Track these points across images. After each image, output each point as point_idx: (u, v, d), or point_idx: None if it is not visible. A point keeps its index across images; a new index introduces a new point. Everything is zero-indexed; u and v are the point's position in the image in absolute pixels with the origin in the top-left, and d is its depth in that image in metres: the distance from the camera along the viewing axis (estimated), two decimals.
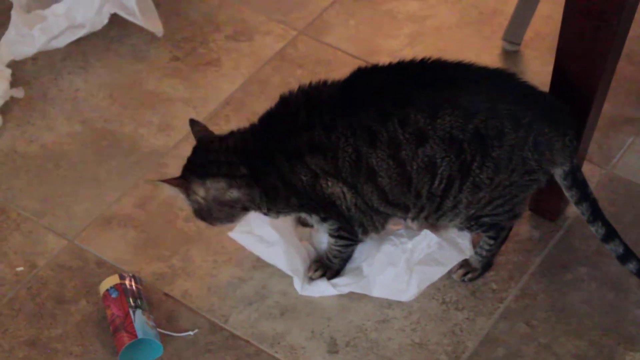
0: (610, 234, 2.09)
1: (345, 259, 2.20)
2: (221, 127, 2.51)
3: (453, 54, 2.05)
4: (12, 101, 2.56)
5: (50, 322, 2.15)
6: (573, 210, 2.30)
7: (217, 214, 2.07)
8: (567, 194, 2.09)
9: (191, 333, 2.13)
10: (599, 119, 2.21)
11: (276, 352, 2.11)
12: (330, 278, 2.19)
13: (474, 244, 2.21)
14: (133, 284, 2.13)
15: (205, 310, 2.17)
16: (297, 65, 2.66)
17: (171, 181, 2.05)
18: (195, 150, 2.09)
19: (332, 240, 2.16)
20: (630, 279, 2.20)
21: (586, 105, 2.10)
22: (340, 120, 1.98)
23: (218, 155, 2.06)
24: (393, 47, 2.70)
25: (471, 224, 2.10)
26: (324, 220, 2.10)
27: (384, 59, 2.07)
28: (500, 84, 2.02)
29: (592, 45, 2.01)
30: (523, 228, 2.30)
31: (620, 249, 2.10)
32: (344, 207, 2.05)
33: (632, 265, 2.10)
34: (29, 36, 2.59)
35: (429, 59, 2.01)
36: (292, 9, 2.81)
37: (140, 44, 2.71)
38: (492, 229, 2.14)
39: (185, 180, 2.05)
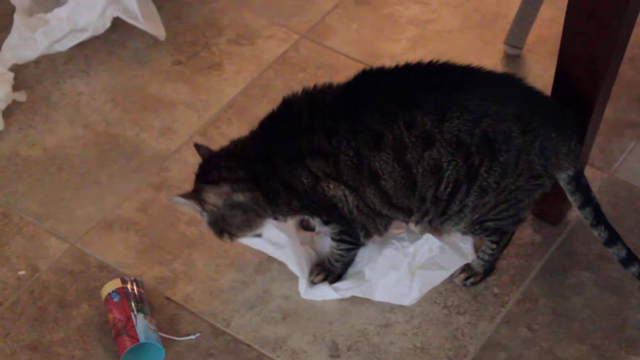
0: (613, 238, 2.09)
1: (347, 263, 2.20)
2: (223, 131, 2.51)
3: (455, 57, 2.05)
4: (14, 105, 2.56)
5: (52, 326, 2.15)
6: (574, 215, 2.30)
7: (232, 220, 2.08)
8: (570, 198, 2.09)
9: (193, 337, 2.13)
10: (601, 123, 2.21)
11: (278, 356, 2.11)
12: (332, 282, 2.19)
13: (477, 248, 2.21)
14: (135, 287, 2.14)
15: (207, 314, 2.17)
16: (299, 69, 2.66)
17: (184, 195, 2.08)
18: (200, 165, 2.11)
19: (334, 243, 2.16)
20: (632, 283, 2.20)
21: (588, 110, 2.10)
22: (342, 124, 1.98)
23: (219, 161, 2.08)
24: (395, 51, 2.70)
25: (475, 228, 2.10)
26: (326, 223, 2.11)
27: (386, 63, 2.07)
28: (507, 88, 2.02)
29: (595, 49, 2.01)
30: (525, 232, 2.30)
31: (623, 253, 2.10)
32: (345, 209, 2.05)
33: (634, 269, 2.10)
34: (32, 40, 2.59)
35: (437, 61, 2.02)
36: (294, 12, 2.81)
37: (142, 48, 2.72)
38: (495, 234, 2.14)
39: (194, 192, 2.08)
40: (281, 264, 2.24)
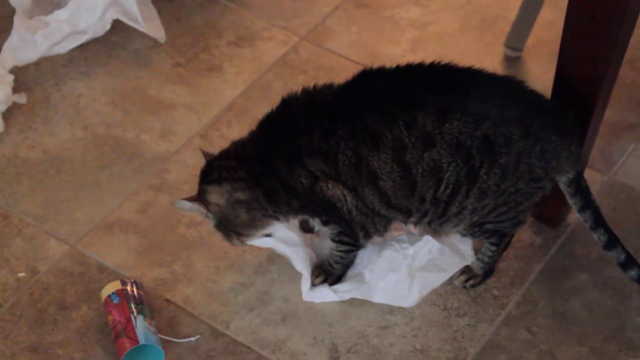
0: (612, 241, 2.09)
1: (347, 265, 2.20)
2: (223, 133, 2.51)
3: (455, 60, 2.05)
4: (14, 107, 2.56)
5: (51, 327, 2.15)
6: (574, 217, 2.30)
7: (236, 219, 2.09)
8: (570, 201, 2.09)
9: (192, 339, 2.13)
10: (601, 126, 2.21)
11: (277, 358, 2.11)
12: (331, 284, 2.19)
13: (476, 250, 2.21)
14: (135, 289, 2.14)
15: (207, 316, 2.17)
16: (299, 71, 2.67)
17: (188, 199, 2.10)
18: (202, 169, 2.13)
19: (334, 245, 2.16)
20: (631, 285, 2.20)
21: (588, 112, 2.10)
22: (340, 124, 1.98)
23: (219, 162, 2.09)
24: (395, 53, 2.70)
25: (474, 230, 2.10)
26: (325, 223, 2.11)
27: (386, 65, 2.07)
28: (509, 91, 2.02)
29: (594, 51, 2.01)
30: (524, 234, 2.30)
31: (622, 256, 2.10)
32: (344, 209, 2.05)
33: (633, 272, 2.10)
34: (32, 42, 2.59)
35: (438, 62, 2.02)
36: (294, 15, 2.81)
37: (142, 50, 2.72)
38: (495, 236, 2.14)
39: (198, 194, 2.10)
40: (281, 266, 2.24)
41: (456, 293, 2.21)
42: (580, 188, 2.07)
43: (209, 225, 2.30)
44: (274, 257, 2.26)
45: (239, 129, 2.50)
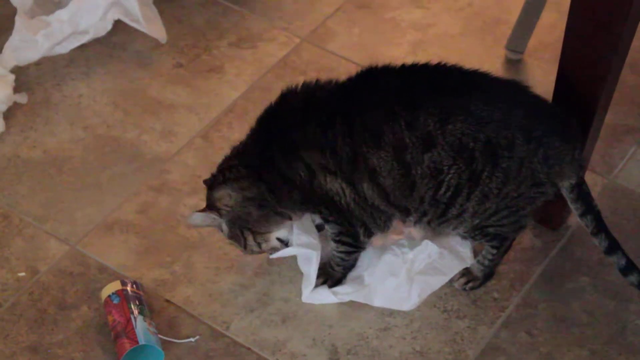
0: (613, 247, 2.09)
1: (348, 267, 2.20)
2: (224, 134, 2.52)
3: (456, 62, 2.05)
4: (15, 106, 2.56)
5: (51, 327, 2.15)
6: (575, 220, 2.30)
7: (249, 217, 2.09)
8: (572, 206, 2.09)
9: (192, 340, 2.13)
10: (602, 129, 2.21)
11: (277, 359, 2.11)
12: (331, 286, 2.19)
13: (477, 253, 2.21)
14: (135, 290, 2.13)
15: (207, 316, 2.17)
16: (300, 72, 2.66)
17: (200, 211, 2.11)
18: (207, 182, 2.16)
19: (334, 245, 2.16)
20: (631, 289, 2.19)
21: (589, 115, 2.10)
22: (339, 119, 1.98)
23: (221, 166, 2.12)
24: (396, 55, 2.70)
25: (475, 233, 2.10)
26: (326, 220, 2.10)
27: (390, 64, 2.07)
28: (513, 95, 2.02)
29: (596, 54, 2.01)
30: (525, 237, 2.30)
31: (623, 262, 2.09)
32: (342, 202, 2.04)
33: (633, 278, 2.10)
34: (33, 42, 2.59)
35: (445, 64, 2.02)
36: (296, 16, 2.81)
37: (143, 51, 2.72)
38: (496, 239, 2.13)
39: (207, 204, 2.12)
40: (281, 267, 2.24)
41: (456, 295, 2.21)
42: (582, 193, 2.07)
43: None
44: (274, 259, 2.26)
45: (240, 130, 2.49)
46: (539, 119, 1.99)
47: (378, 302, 2.17)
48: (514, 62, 2.69)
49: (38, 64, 2.66)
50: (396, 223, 2.15)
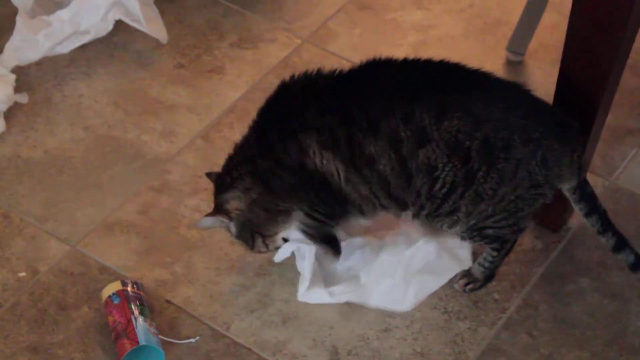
0: (621, 244, 2.09)
1: (321, 234, 2.16)
2: (225, 135, 2.52)
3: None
4: (15, 106, 2.56)
5: (52, 328, 2.15)
6: (575, 222, 2.30)
7: (258, 219, 2.11)
8: (575, 207, 2.09)
9: (193, 340, 2.13)
10: (603, 131, 2.21)
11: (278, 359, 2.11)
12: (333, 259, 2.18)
13: (477, 255, 2.21)
14: (135, 290, 2.13)
15: (207, 317, 2.17)
16: (300, 71, 2.66)
17: (209, 215, 2.13)
18: (214, 184, 2.16)
19: (303, 226, 2.15)
20: (632, 290, 2.20)
21: (590, 117, 2.10)
22: (337, 105, 1.98)
23: (226, 167, 2.13)
24: (397, 56, 2.69)
25: (473, 234, 2.10)
26: (311, 208, 2.11)
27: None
28: (514, 97, 2.02)
29: (597, 56, 2.01)
30: (525, 238, 2.30)
31: (632, 258, 2.09)
32: (335, 184, 2.04)
33: None
34: (34, 42, 2.59)
35: (448, 61, 2.02)
36: (297, 17, 2.81)
37: (144, 51, 2.72)
38: (496, 242, 2.13)
39: (216, 207, 2.13)
40: (281, 268, 2.24)
41: (457, 296, 2.21)
42: (585, 194, 2.07)
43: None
44: (274, 259, 2.26)
45: (241, 131, 2.48)
46: (538, 120, 1.99)
47: (374, 302, 2.17)
48: (515, 64, 2.69)
49: (39, 63, 2.66)
50: (394, 220, 2.16)
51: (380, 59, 2.03)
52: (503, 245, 2.16)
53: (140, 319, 2.08)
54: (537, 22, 2.67)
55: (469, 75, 2.02)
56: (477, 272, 2.21)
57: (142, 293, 2.15)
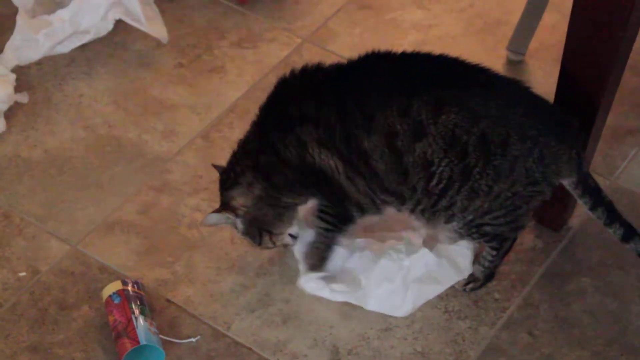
0: (629, 233, 2.08)
1: (329, 245, 2.17)
2: (225, 134, 2.52)
3: None
4: (16, 106, 2.56)
5: (52, 327, 2.15)
6: (576, 221, 2.31)
7: (265, 217, 2.11)
8: (580, 201, 2.09)
9: (193, 340, 2.13)
10: (603, 130, 2.21)
11: (278, 359, 2.10)
12: (312, 267, 2.18)
13: (478, 254, 2.21)
14: (136, 290, 2.13)
15: (208, 317, 2.17)
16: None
17: (215, 211, 2.13)
18: (219, 179, 2.16)
19: (316, 219, 2.15)
20: (633, 290, 2.20)
21: (591, 116, 2.10)
22: (333, 98, 1.98)
23: (230, 163, 2.13)
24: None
25: (471, 231, 2.09)
26: (318, 199, 2.11)
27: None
28: (513, 93, 2.02)
29: (598, 56, 2.01)
30: (526, 238, 2.30)
31: None
32: (335, 179, 2.04)
33: None
34: (34, 41, 2.59)
35: (447, 55, 2.02)
36: (297, 16, 2.81)
37: (145, 50, 2.72)
38: (495, 240, 2.13)
39: (222, 204, 2.13)
40: (282, 267, 2.24)
41: (457, 296, 2.21)
42: (588, 188, 2.06)
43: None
44: (275, 259, 2.26)
45: (241, 130, 2.48)
46: (536, 118, 1.99)
47: (372, 306, 2.17)
48: (515, 63, 2.69)
49: (39, 63, 2.66)
50: (395, 224, 2.16)
51: (379, 52, 2.03)
52: (502, 244, 2.16)
53: (141, 319, 2.08)
54: (537, 21, 2.67)
55: (469, 71, 2.02)
56: (477, 271, 2.21)
57: (142, 292, 2.15)
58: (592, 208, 2.08)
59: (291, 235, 2.18)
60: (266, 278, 2.24)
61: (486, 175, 1.98)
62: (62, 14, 2.60)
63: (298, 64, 2.66)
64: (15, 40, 2.60)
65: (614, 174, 2.44)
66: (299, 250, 2.20)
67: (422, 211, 2.07)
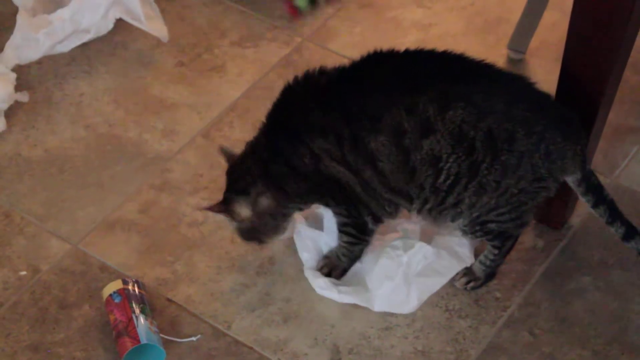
0: (631, 232, 2.09)
1: (353, 258, 2.19)
2: (225, 133, 2.51)
3: None
4: (16, 105, 2.56)
5: (53, 326, 2.15)
6: (577, 220, 2.30)
7: (264, 228, 2.12)
8: (582, 198, 2.09)
9: (194, 339, 2.13)
10: (604, 129, 2.21)
11: (279, 359, 2.10)
12: (337, 277, 2.19)
13: (478, 253, 2.21)
14: (136, 289, 2.13)
15: (209, 316, 2.17)
16: (302, 71, 2.66)
17: (213, 208, 2.12)
18: (228, 172, 2.14)
19: (339, 235, 2.15)
20: (634, 289, 2.20)
21: (592, 114, 2.10)
22: (339, 102, 1.98)
23: (242, 166, 2.11)
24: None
25: (476, 228, 2.09)
26: (334, 212, 2.11)
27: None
28: (518, 89, 2.02)
29: (598, 54, 2.01)
30: (527, 237, 2.29)
31: None
32: (349, 185, 2.04)
33: None
34: (34, 40, 2.59)
35: (451, 51, 2.02)
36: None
37: (145, 49, 2.72)
38: (498, 238, 2.13)
39: (224, 203, 2.11)
40: (283, 267, 2.24)
41: (458, 295, 2.21)
42: (591, 185, 2.07)
43: (210, 225, 2.31)
44: (275, 258, 2.26)
45: (241, 129, 2.50)
46: (541, 113, 1.99)
47: (378, 306, 2.16)
48: (516, 62, 2.69)
49: (39, 62, 2.66)
50: (392, 222, 2.16)
51: (382, 51, 2.03)
52: (504, 243, 2.15)
53: (142, 318, 2.08)
54: (538, 20, 2.67)
55: (473, 66, 2.02)
56: (478, 270, 2.21)
57: (143, 292, 2.15)
58: (595, 206, 2.08)
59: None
60: (267, 277, 2.24)
61: (494, 171, 1.98)
62: (63, 13, 2.60)
63: (298, 63, 2.69)
64: (15, 39, 2.59)
65: (614, 172, 2.44)
66: (310, 258, 2.20)
67: (430, 210, 2.07)
